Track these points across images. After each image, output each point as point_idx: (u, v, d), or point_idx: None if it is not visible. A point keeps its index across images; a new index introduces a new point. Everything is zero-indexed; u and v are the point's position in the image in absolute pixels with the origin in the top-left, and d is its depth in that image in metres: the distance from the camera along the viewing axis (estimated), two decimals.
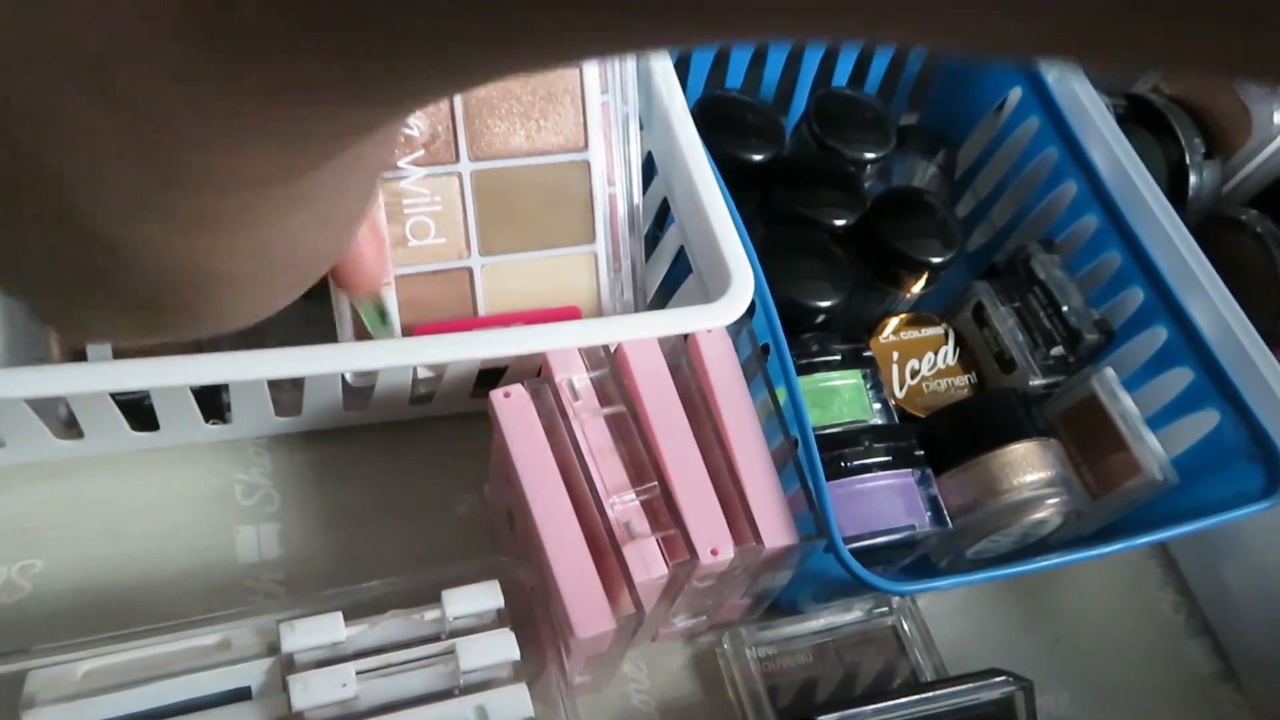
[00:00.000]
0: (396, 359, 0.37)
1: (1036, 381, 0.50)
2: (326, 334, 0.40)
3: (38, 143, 0.16)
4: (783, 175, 0.52)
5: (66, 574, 0.40)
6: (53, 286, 0.20)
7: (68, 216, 0.17)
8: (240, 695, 0.33)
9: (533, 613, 0.37)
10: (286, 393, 0.41)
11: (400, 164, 0.39)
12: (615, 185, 0.43)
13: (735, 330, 0.42)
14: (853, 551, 0.39)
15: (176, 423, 0.41)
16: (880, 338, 0.51)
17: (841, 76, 0.59)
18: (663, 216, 0.50)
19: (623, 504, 0.37)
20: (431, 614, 0.35)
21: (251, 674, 0.33)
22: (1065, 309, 0.51)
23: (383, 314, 0.39)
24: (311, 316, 0.42)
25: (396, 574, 0.43)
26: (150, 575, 0.41)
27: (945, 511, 0.44)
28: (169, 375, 0.34)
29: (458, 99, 0.39)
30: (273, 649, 0.34)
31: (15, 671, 0.31)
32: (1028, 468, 0.46)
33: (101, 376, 0.33)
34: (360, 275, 0.33)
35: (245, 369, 0.35)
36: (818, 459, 0.40)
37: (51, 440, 0.40)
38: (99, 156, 0.16)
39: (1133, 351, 0.51)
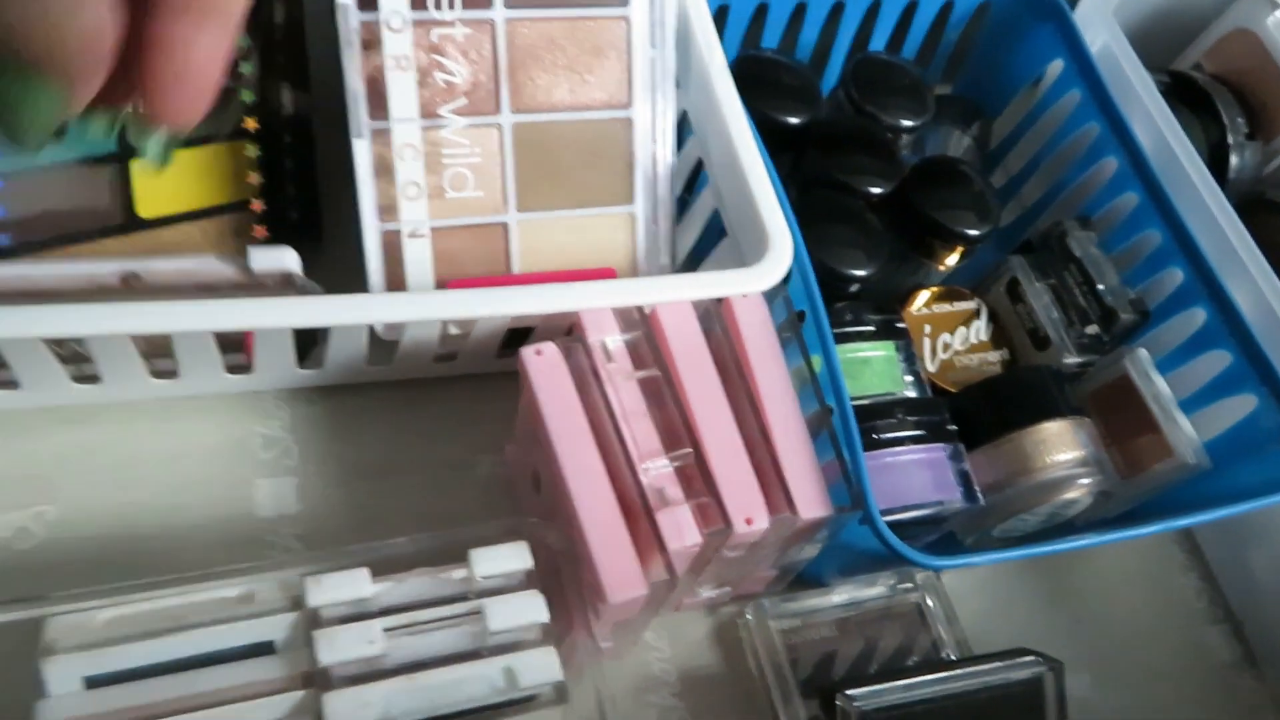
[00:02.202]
0: (428, 312, 0.36)
1: (1070, 360, 0.49)
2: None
3: None
4: (818, 139, 0.51)
5: (81, 522, 0.39)
6: None
7: None
8: (263, 649, 0.32)
9: (560, 576, 0.37)
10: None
11: (441, 111, 0.38)
12: (657, 144, 0.42)
13: (770, 296, 0.41)
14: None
15: (196, 371, 0.40)
16: (912, 310, 0.50)
17: (879, 41, 0.57)
18: (693, 180, 0.49)
19: (656, 469, 0.36)
20: (459, 573, 0.34)
21: (275, 628, 0.32)
22: (1101, 287, 0.50)
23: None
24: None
25: (415, 532, 0.42)
26: (166, 526, 0.40)
27: (976, 488, 0.44)
28: (190, 320, 0.33)
29: (502, 48, 0.38)
30: (296, 603, 0.33)
31: (34, 618, 0.30)
32: (1060, 446, 0.45)
33: (123, 318, 0.32)
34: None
35: (270, 316, 0.34)
36: (855, 429, 0.39)
37: (68, 384, 0.39)
38: None
39: (1169, 332, 0.50)
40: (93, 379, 0.39)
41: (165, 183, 0.41)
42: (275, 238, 0.42)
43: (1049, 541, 0.42)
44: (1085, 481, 0.45)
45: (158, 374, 0.40)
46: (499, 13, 0.38)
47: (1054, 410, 0.46)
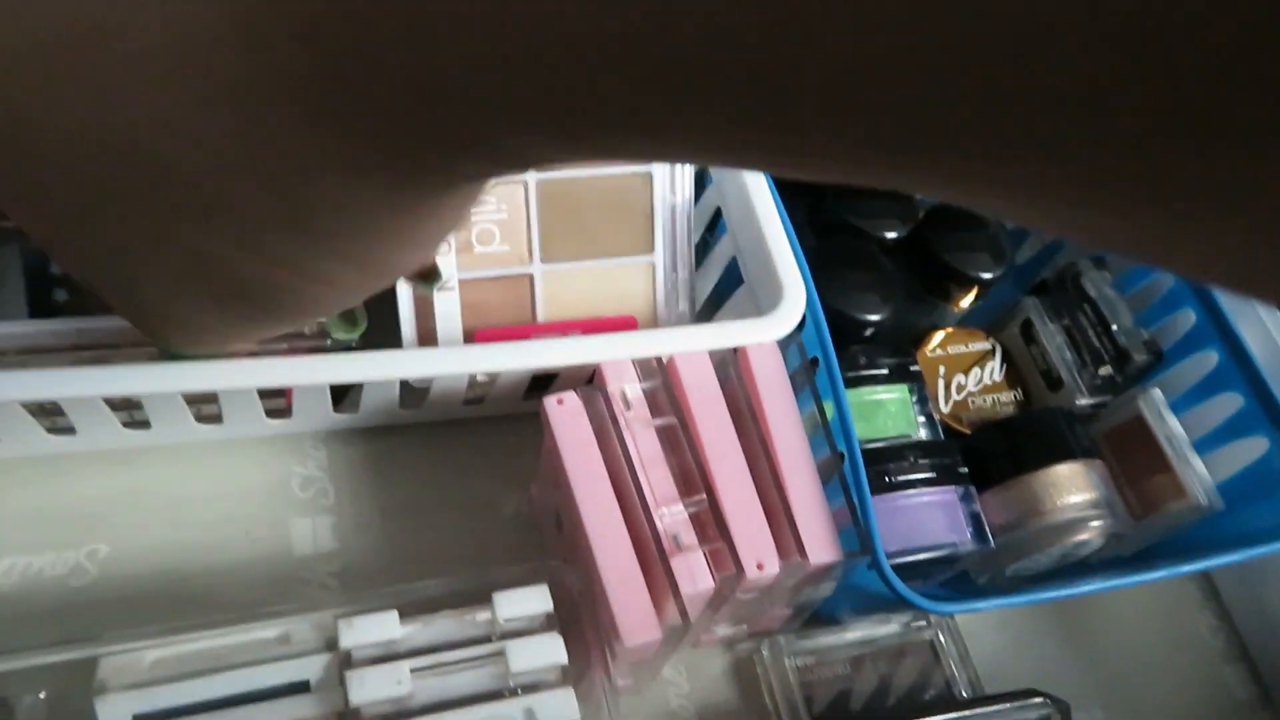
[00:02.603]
0: (456, 366, 0.38)
1: (1083, 401, 0.50)
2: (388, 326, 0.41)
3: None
4: (834, 185, 0.52)
5: (131, 560, 0.42)
6: (162, 300, 0.22)
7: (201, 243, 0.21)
8: (299, 688, 0.34)
9: (579, 615, 0.38)
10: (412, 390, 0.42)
11: None
12: (676, 196, 0.44)
13: (785, 342, 0.43)
14: (894, 567, 0.40)
15: (239, 417, 0.42)
16: (926, 350, 0.51)
17: None
18: (713, 225, 0.51)
19: (671, 515, 0.38)
20: (483, 615, 0.36)
21: (310, 668, 0.34)
22: (1115, 328, 0.51)
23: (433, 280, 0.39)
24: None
25: (444, 569, 0.44)
26: (209, 563, 0.43)
27: (988, 529, 0.45)
28: (238, 378, 0.35)
29: None
30: (330, 644, 0.35)
31: (88, 657, 0.33)
32: (1072, 488, 0.46)
33: (177, 378, 0.34)
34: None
35: (309, 374, 0.36)
36: (864, 476, 0.40)
37: (120, 430, 0.41)
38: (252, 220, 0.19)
39: (1182, 373, 0.51)
40: (142, 425, 0.41)
41: None
42: None
43: (1060, 585, 0.43)
44: (1097, 524, 0.46)
45: (203, 419, 0.42)
46: None
47: (1066, 452, 0.46)
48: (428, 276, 0.34)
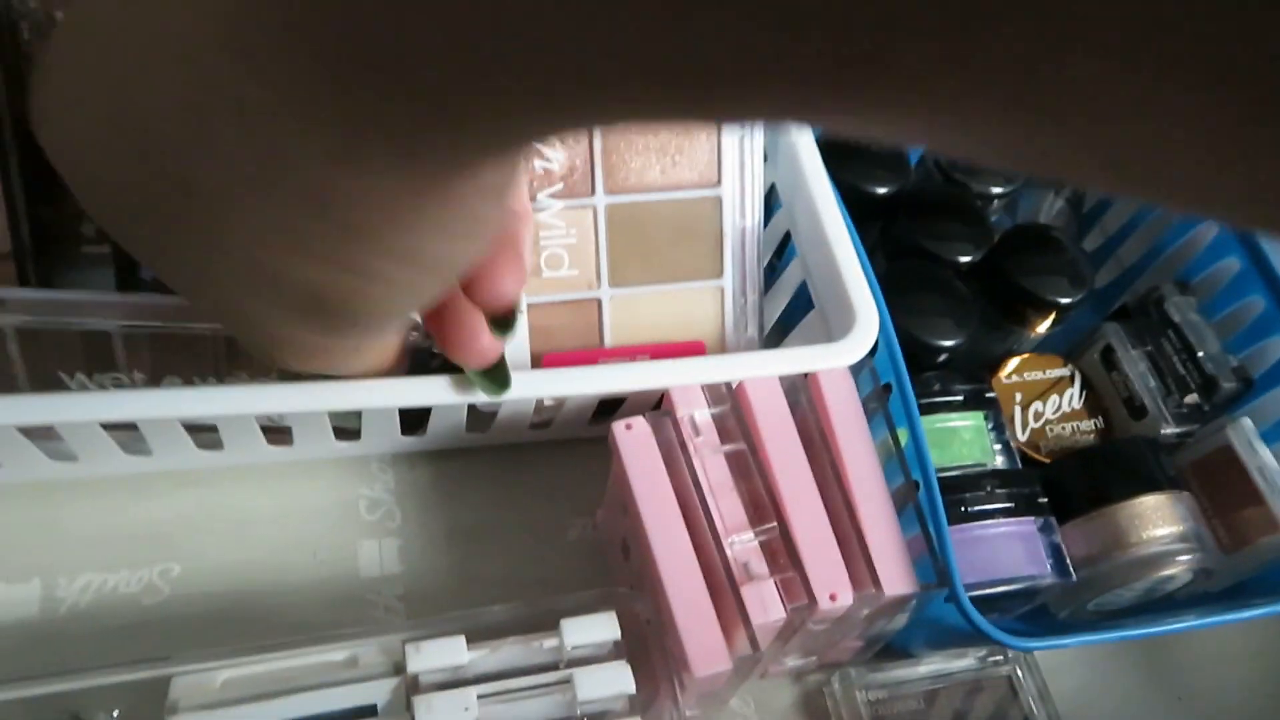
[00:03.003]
0: (524, 391, 0.38)
1: (1168, 430, 0.48)
2: None
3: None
4: (906, 208, 0.51)
5: (201, 578, 0.42)
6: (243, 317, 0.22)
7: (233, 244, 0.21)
8: (366, 712, 0.34)
9: (647, 644, 0.38)
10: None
11: (539, 196, 0.40)
12: (746, 220, 0.43)
13: (857, 368, 0.42)
14: (971, 599, 0.38)
15: (309, 439, 0.43)
16: (1002, 377, 0.50)
17: None
18: (782, 248, 0.50)
19: (741, 543, 0.37)
20: (550, 642, 0.35)
21: (377, 692, 0.34)
22: (1201, 354, 0.49)
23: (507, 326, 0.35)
24: None
25: (509, 594, 0.44)
26: (277, 583, 0.43)
27: (1069, 562, 0.43)
28: (309, 400, 0.35)
29: (596, 134, 0.40)
30: (398, 668, 0.34)
31: (162, 676, 0.33)
32: (1158, 521, 0.44)
33: (252, 400, 0.35)
34: (490, 287, 0.32)
35: (380, 397, 0.36)
36: (940, 505, 0.39)
37: (194, 451, 0.42)
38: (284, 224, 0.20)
39: (1273, 401, 0.49)
40: (215, 446, 0.42)
41: None
42: None
43: (1146, 622, 0.41)
44: (1185, 558, 0.44)
45: (273, 441, 0.42)
46: None
47: (1152, 483, 0.45)
48: (502, 323, 0.33)
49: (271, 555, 0.43)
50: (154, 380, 0.39)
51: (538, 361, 0.42)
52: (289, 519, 0.44)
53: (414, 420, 0.43)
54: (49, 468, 0.40)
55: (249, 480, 0.44)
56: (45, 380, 0.38)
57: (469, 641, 0.35)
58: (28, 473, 0.41)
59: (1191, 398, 0.49)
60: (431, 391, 0.37)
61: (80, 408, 0.35)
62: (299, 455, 0.44)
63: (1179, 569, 0.44)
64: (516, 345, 0.41)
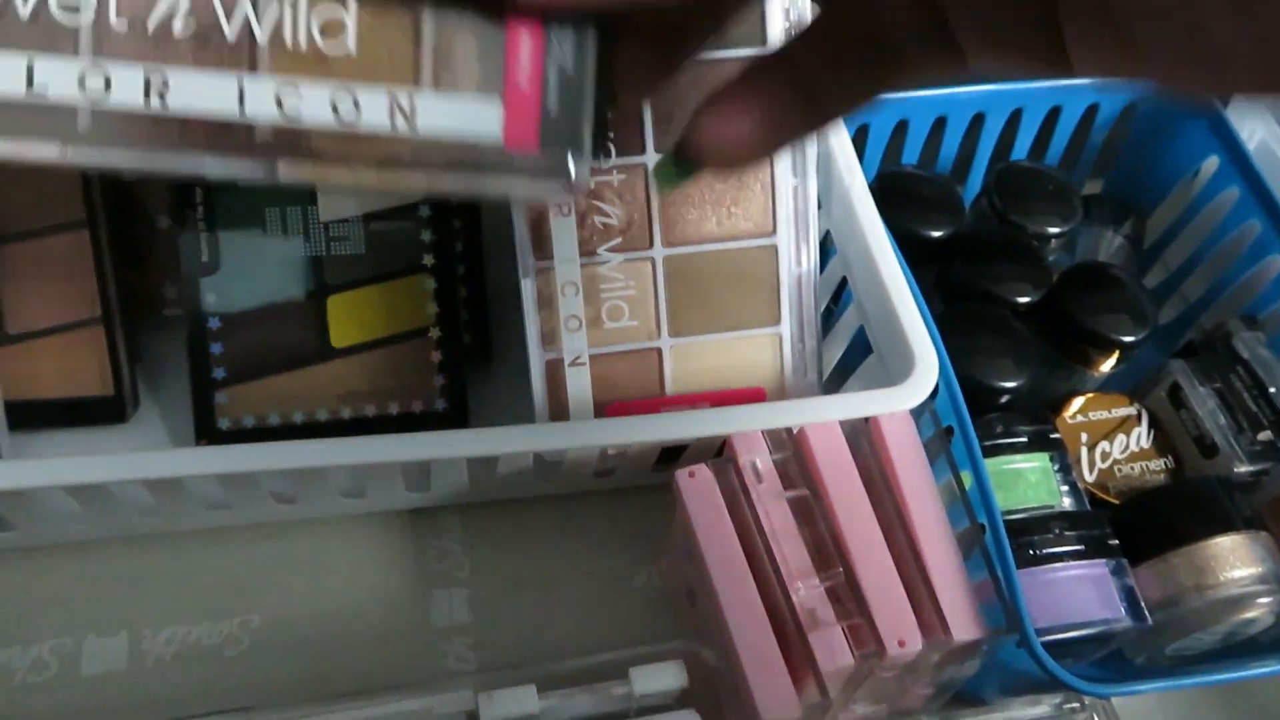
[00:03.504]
0: (588, 440, 0.38)
1: (1242, 468, 0.47)
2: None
3: None
4: (962, 250, 0.51)
5: (279, 629, 0.43)
6: None
7: None
8: None
9: (715, 692, 0.38)
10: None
11: (598, 250, 0.41)
12: (802, 267, 0.44)
13: (917, 411, 0.42)
14: (1043, 644, 0.38)
15: (380, 490, 0.44)
16: (1066, 417, 0.50)
17: (1022, 148, 0.58)
18: (839, 293, 0.50)
19: (807, 589, 0.37)
20: (619, 690, 0.36)
21: None
22: (1273, 390, 0.48)
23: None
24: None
25: (576, 642, 0.45)
26: (352, 633, 0.44)
27: (1143, 606, 0.42)
28: (381, 453, 0.37)
29: (654, 188, 0.41)
30: (471, 717, 0.35)
31: None
32: (1235, 562, 0.43)
33: (330, 453, 0.36)
34: None
35: (449, 448, 0.38)
36: (1008, 548, 0.39)
37: (271, 504, 0.43)
38: None
39: None
40: (289, 500, 0.43)
41: (354, 315, 0.46)
42: (449, 360, 0.46)
43: (1227, 667, 0.40)
44: (1266, 600, 0.43)
45: (346, 494, 0.44)
46: (651, 157, 0.41)
47: (1227, 523, 0.44)
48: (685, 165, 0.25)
49: (345, 606, 0.44)
50: None
51: (601, 411, 0.43)
52: (361, 570, 0.45)
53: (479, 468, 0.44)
54: (136, 523, 0.42)
55: (322, 532, 0.46)
56: None
57: (540, 690, 0.35)
58: (116, 529, 0.43)
59: (1265, 435, 0.48)
60: (501, 441, 0.38)
61: (188, 463, 0.36)
62: (371, 507, 0.45)
63: (1260, 611, 0.43)
64: (580, 395, 0.42)
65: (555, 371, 0.43)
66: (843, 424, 0.41)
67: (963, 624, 0.37)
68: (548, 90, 0.20)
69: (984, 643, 0.37)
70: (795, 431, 0.41)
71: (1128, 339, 0.49)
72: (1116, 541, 0.43)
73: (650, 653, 0.37)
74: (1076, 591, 0.42)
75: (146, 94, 0.18)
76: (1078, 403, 0.50)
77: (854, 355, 0.48)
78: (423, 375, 0.46)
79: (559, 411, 0.43)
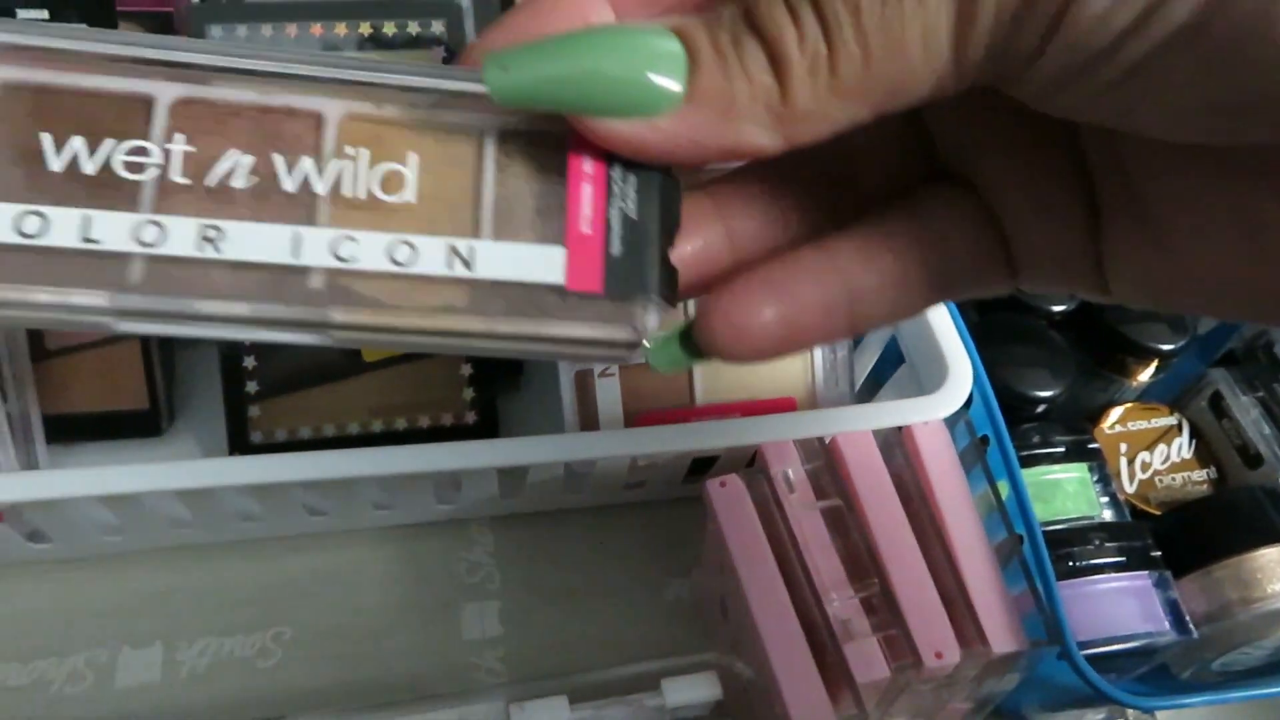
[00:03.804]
0: (618, 449, 0.38)
1: None
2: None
3: None
4: None
5: (311, 642, 0.43)
6: None
7: None
8: None
9: (749, 705, 0.37)
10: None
11: None
12: None
13: (952, 421, 0.41)
14: (1086, 658, 0.37)
15: (410, 502, 0.44)
16: (1105, 428, 0.49)
17: None
18: None
19: (841, 600, 0.36)
20: (652, 701, 0.35)
21: None
22: None
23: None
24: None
25: (608, 654, 0.44)
26: (383, 646, 0.44)
27: (1188, 619, 0.41)
28: (411, 463, 0.37)
29: None
30: None
31: None
32: None
33: (361, 464, 0.36)
34: None
35: (479, 458, 0.38)
36: (1047, 558, 0.38)
37: (302, 516, 0.43)
38: None
39: None
40: (321, 512, 0.43)
41: None
42: (479, 374, 0.46)
43: (1277, 680, 0.39)
44: None
45: (377, 505, 0.44)
46: None
47: (1273, 534, 0.43)
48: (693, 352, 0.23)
49: (376, 619, 0.44)
50: None
51: (630, 422, 0.42)
52: (392, 582, 0.45)
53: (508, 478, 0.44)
54: (170, 535, 0.42)
55: (352, 545, 0.46)
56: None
57: (571, 702, 0.35)
58: (150, 541, 0.43)
59: None
60: (530, 450, 0.37)
61: (218, 473, 0.37)
62: (401, 519, 0.45)
63: None
64: (610, 405, 0.42)
65: (584, 382, 0.43)
66: (876, 434, 0.40)
67: (1001, 635, 0.36)
68: (610, 234, 0.19)
69: (1024, 655, 0.36)
70: (827, 441, 0.40)
71: (1166, 348, 0.48)
72: (1159, 553, 0.42)
73: (683, 664, 0.36)
74: (1118, 604, 0.41)
75: (201, 243, 0.18)
76: (1116, 413, 0.49)
77: (886, 365, 0.47)
78: (453, 389, 0.46)
79: (588, 422, 0.43)
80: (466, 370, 0.46)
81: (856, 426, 0.40)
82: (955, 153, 0.23)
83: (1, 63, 0.18)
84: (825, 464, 0.40)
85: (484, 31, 0.20)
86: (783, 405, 0.44)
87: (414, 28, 0.44)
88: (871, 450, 0.40)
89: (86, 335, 0.45)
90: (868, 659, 0.35)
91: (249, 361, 0.45)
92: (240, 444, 0.44)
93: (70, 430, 0.44)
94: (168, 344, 0.47)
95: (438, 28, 0.44)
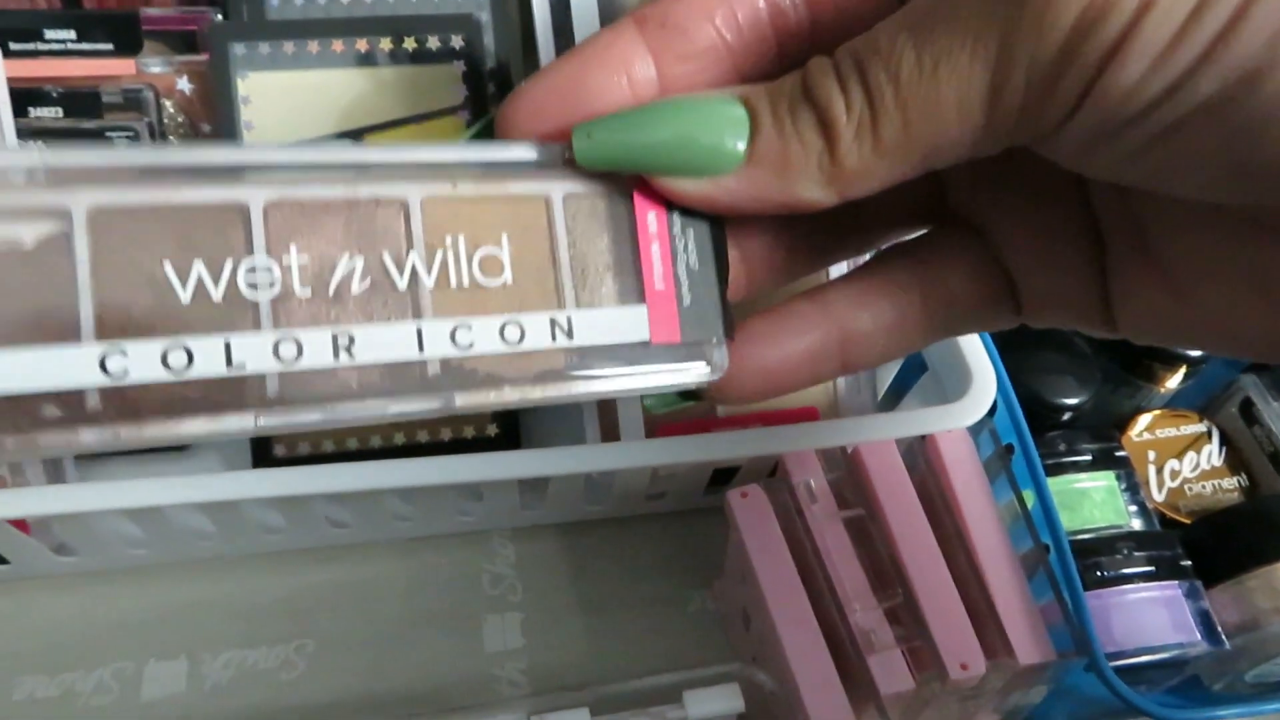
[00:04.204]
0: (639, 459, 0.38)
1: None
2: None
3: None
4: None
5: (334, 654, 0.43)
6: None
7: None
8: None
9: (772, 717, 0.37)
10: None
11: None
12: None
13: (976, 429, 0.41)
14: (1115, 669, 0.37)
15: (432, 513, 0.44)
16: (1133, 435, 0.48)
17: None
18: None
19: (865, 611, 0.36)
20: (674, 714, 0.35)
21: None
22: None
23: None
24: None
25: (630, 666, 0.44)
26: (405, 657, 0.44)
27: (1220, 629, 0.40)
28: (433, 474, 0.37)
29: None
30: None
31: None
32: None
33: (383, 475, 0.36)
34: None
35: (500, 469, 0.38)
36: (1074, 567, 0.38)
37: (325, 528, 0.43)
38: None
39: None
40: (343, 524, 0.44)
41: None
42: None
43: None
44: None
45: (399, 517, 0.44)
46: None
47: None
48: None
49: (398, 630, 0.44)
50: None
51: (651, 434, 0.42)
52: (414, 594, 0.45)
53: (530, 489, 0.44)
54: (194, 547, 0.43)
55: (375, 556, 0.46)
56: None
57: (593, 714, 0.35)
58: (175, 554, 0.43)
59: None
60: (551, 461, 0.37)
61: (239, 485, 0.37)
62: (423, 530, 0.45)
63: None
64: (631, 416, 0.42)
65: None
66: (898, 442, 0.40)
67: (1028, 646, 0.36)
68: (680, 288, 0.21)
69: (1051, 666, 0.36)
70: (850, 450, 0.40)
71: (1195, 353, 0.47)
72: (1189, 563, 0.42)
73: (705, 676, 0.36)
74: (1148, 614, 0.41)
75: (335, 353, 0.19)
76: (1144, 420, 0.48)
77: (908, 374, 0.47)
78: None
79: (610, 434, 0.42)
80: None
81: (879, 435, 0.39)
82: (965, 199, 0.24)
83: (90, 187, 0.17)
84: (847, 473, 0.39)
85: (532, 79, 0.21)
86: (804, 415, 0.44)
87: (434, 42, 0.44)
88: (894, 459, 0.40)
89: None
90: (892, 670, 0.35)
91: None
92: (263, 457, 0.45)
93: None
94: None
95: (457, 42, 0.44)
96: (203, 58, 0.43)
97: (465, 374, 0.20)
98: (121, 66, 0.43)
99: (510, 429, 0.46)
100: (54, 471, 0.41)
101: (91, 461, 0.44)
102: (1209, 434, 0.48)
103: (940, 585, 0.37)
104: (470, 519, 0.45)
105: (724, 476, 0.44)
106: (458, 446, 0.46)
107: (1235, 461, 0.48)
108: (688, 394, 0.23)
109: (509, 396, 0.20)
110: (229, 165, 0.19)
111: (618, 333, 0.21)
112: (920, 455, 0.40)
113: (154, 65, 0.43)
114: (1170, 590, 0.41)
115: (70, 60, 0.43)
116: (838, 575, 0.37)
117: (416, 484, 0.37)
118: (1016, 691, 0.39)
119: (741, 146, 0.20)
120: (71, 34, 0.43)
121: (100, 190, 0.17)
